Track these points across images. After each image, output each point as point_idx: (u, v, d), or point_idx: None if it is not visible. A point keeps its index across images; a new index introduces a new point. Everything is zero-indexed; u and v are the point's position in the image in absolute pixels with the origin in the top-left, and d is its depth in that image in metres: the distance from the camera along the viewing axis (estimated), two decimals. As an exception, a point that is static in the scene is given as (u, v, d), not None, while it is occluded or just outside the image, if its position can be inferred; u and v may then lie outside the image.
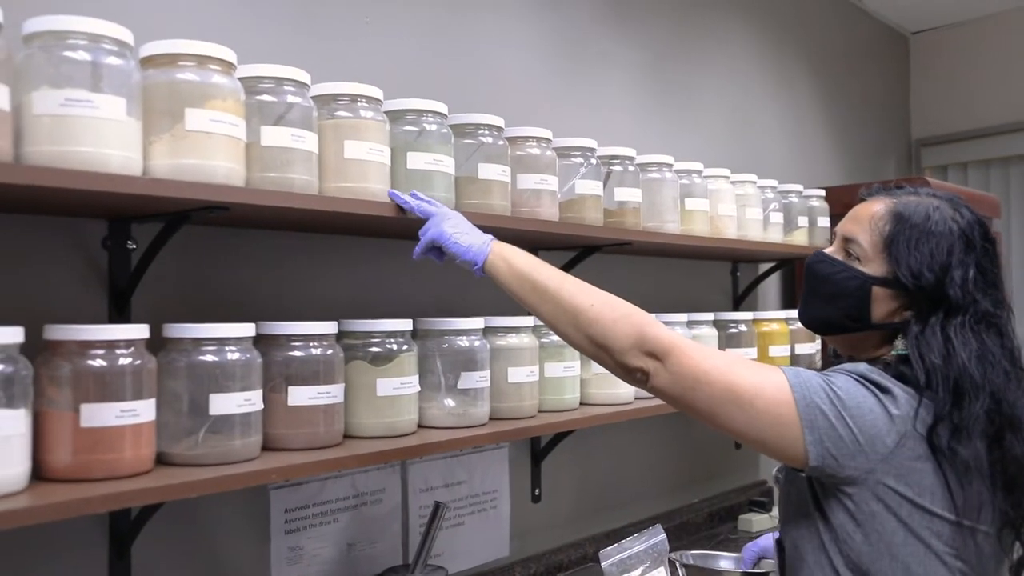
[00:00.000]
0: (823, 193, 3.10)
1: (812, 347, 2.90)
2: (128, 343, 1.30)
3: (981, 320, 1.35)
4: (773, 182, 2.86)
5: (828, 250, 1.49)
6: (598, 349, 1.40)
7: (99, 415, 1.23)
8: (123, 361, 1.28)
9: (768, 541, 1.95)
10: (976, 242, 1.38)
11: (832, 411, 1.28)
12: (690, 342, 1.37)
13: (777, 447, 1.32)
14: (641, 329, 1.36)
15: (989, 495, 1.30)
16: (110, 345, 1.27)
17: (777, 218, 2.83)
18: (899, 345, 1.40)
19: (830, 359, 1.61)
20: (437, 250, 1.57)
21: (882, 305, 1.40)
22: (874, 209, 1.43)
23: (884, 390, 1.31)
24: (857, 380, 1.32)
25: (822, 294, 1.46)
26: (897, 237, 1.39)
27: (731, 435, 1.36)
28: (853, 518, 1.30)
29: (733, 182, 2.66)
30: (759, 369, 1.36)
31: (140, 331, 1.32)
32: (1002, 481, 1.31)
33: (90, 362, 1.25)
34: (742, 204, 2.67)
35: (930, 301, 1.36)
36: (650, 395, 2.28)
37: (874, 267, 1.40)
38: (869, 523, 1.29)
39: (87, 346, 1.26)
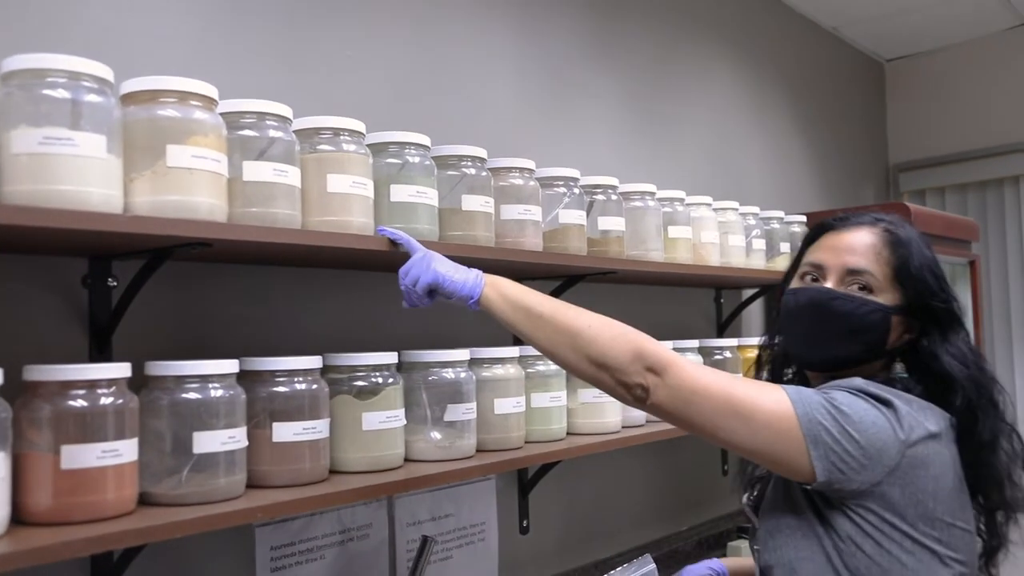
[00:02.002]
0: (804, 219, 3.12)
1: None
2: (110, 382, 1.28)
3: (968, 337, 1.45)
4: (755, 209, 2.88)
5: (829, 285, 1.45)
6: (598, 369, 1.38)
7: (80, 456, 1.21)
8: (104, 401, 1.26)
9: (700, 571, 1.85)
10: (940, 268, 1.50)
11: (835, 426, 1.29)
12: (687, 359, 1.38)
13: (782, 461, 1.31)
14: (639, 345, 1.36)
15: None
16: (91, 385, 1.26)
17: (759, 244, 2.84)
18: (899, 368, 1.47)
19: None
20: (428, 293, 1.55)
21: (895, 332, 1.44)
22: (869, 240, 1.45)
23: (886, 403, 1.33)
24: (855, 394, 1.34)
25: (840, 332, 1.43)
26: (906, 265, 1.43)
27: (734, 449, 1.35)
28: (862, 530, 1.32)
29: (715, 209, 2.68)
30: (758, 384, 1.37)
31: (122, 370, 1.30)
32: (987, 484, 1.41)
33: (71, 403, 1.23)
34: (724, 231, 2.68)
35: (932, 321, 1.43)
36: (636, 424, 2.28)
37: (888, 297, 1.43)
38: (877, 534, 1.31)
39: (68, 386, 1.24)
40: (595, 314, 1.43)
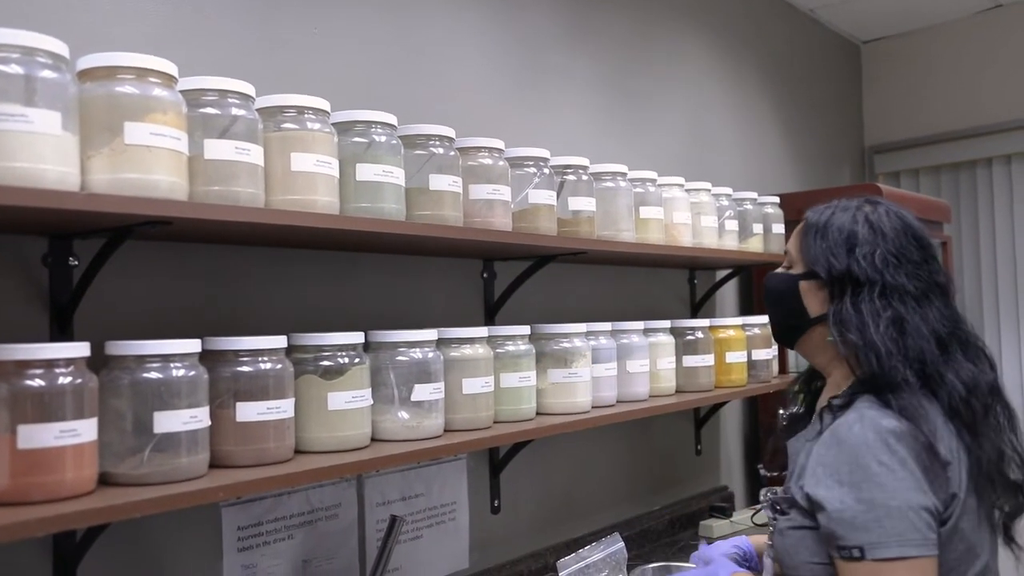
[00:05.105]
0: (777, 200, 3.14)
1: (768, 353, 2.93)
2: (68, 361, 1.27)
3: (893, 293, 1.45)
4: (728, 190, 2.89)
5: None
6: None
7: (37, 436, 1.20)
8: (63, 380, 1.25)
9: (725, 547, 1.89)
10: (888, 232, 1.49)
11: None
12: None
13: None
14: None
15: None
16: (49, 364, 1.24)
17: (732, 225, 2.85)
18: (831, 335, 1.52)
19: (802, 386, 1.73)
20: None
21: (812, 299, 1.55)
22: (802, 224, 1.62)
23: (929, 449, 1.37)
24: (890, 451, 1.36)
25: (771, 303, 1.64)
26: (807, 233, 1.56)
27: None
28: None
29: (688, 190, 2.68)
30: None
31: (80, 349, 1.29)
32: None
33: (28, 382, 1.22)
34: (697, 212, 2.69)
35: (842, 284, 1.49)
36: (607, 404, 2.28)
37: (798, 267, 1.58)
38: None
39: (25, 365, 1.23)
40: None
